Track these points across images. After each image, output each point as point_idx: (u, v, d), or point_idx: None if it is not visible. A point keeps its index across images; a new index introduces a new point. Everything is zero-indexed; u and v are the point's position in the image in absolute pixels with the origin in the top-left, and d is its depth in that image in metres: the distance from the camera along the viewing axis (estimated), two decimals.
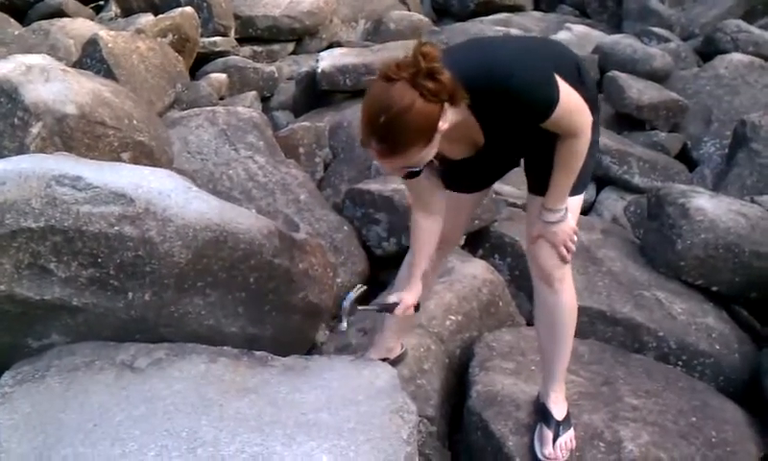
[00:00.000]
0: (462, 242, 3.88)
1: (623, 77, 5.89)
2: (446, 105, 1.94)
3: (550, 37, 2.45)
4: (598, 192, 5.03)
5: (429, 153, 2.00)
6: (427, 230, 2.46)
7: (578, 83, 2.17)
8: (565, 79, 2.09)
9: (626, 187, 4.93)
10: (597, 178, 5.03)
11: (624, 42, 6.66)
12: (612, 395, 2.72)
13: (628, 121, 5.75)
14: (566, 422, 2.49)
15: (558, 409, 2.49)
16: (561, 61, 2.20)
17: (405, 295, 2.41)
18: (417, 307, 2.48)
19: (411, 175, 2.10)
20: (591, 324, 3.31)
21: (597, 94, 2.38)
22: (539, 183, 2.33)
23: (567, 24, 8.05)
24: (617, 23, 8.62)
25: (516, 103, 2.03)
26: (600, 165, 4.90)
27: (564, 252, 2.33)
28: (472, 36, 6.30)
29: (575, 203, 2.35)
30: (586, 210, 4.86)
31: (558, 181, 2.23)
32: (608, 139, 5.00)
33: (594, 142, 2.27)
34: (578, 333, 3.21)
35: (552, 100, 2.03)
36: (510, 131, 2.17)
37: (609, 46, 6.67)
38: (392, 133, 1.89)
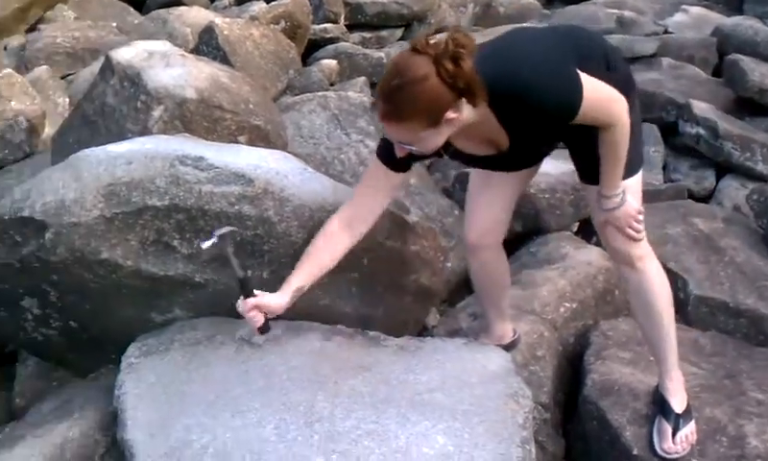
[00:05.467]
0: (574, 228, 3.81)
1: (745, 60, 5.61)
2: (463, 99, 1.91)
3: (578, 26, 2.36)
4: (718, 180, 4.83)
5: (433, 139, 1.98)
6: (336, 239, 2.24)
7: (606, 70, 2.13)
8: (592, 69, 2.04)
9: (748, 175, 4.69)
10: (717, 164, 4.83)
11: (745, 24, 6.36)
12: (735, 388, 2.61)
13: (750, 106, 5.47)
14: (687, 415, 2.41)
15: (677, 401, 2.42)
16: (585, 52, 2.15)
17: (266, 298, 2.16)
18: (265, 327, 2.18)
19: (400, 164, 2.13)
20: (713, 315, 3.20)
21: (630, 74, 2.31)
22: (588, 173, 2.29)
23: (683, 6, 7.75)
24: (737, 5, 8.23)
25: (538, 111, 2.00)
26: (721, 152, 4.71)
27: (632, 232, 2.27)
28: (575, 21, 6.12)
29: (633, 183, 2.28)
30: (705, 198, 4.68)
31: (607, 171, 2.19)
32: (729, 125, 4.79)
33: (636, 121, 2.20)
34: (699, 324, 3.13)
35: (575, 102, 1.99)
36: (536, 133, 2.14)
37: (729, 28, 6.39)
38: (398, 98, 1.89)
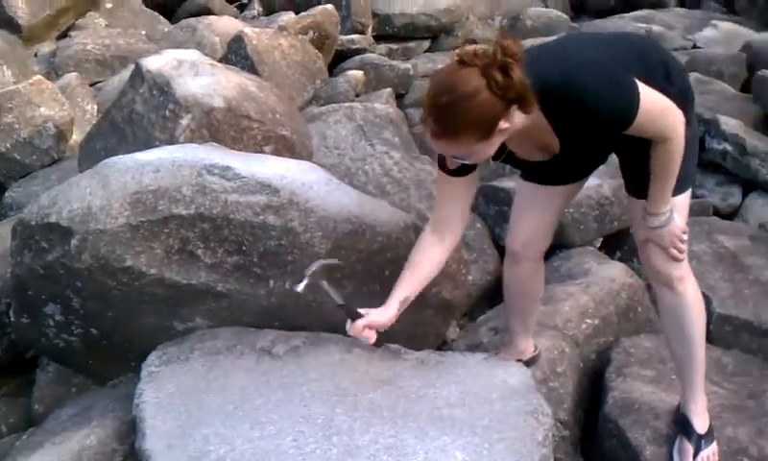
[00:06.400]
0: (598, 243, 3.79)
1: None
2: (514, 107, 1.87)
3: (636, 34, 2.33)
4: (744, 197, 4.78)
5: (485, 150, 1.95)
6: (430, 251, 2.29)
7: (665, 81, 2.07)
8: (650, 80, 1.99)
9: None
10: (743, 181, 4.78)
11: None
12: (758, 409, 2.58)
13: None
14: (709, 435, 2.38)
15: (699, 422, 2.39)
16: (644, 62, 2.09)
17: (373, 314, 2.21)
18: (380, 341, 2.25)
19: (461, 169, 2.10)
20: (736, 334, 3.17)
21: (689, 87, 2.23)
22: (637, 186, 2.24)
23: (713, 21, 7.70)
24: (767, 21, 8.17)
25: (592, 116, 1.95)
26: (748, 169, 4.66)
27: (676, 252, 2.23)
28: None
29: (681, 201, 2.23)
30: (731, 215, 4.64)
31: (657, 186, 2.14)
32: (757, 141, 4.74)
33: (692, 137, 2.16)
34: (722, 343, 3.10)
35: (631, 111, 1.94)
36: (588, 140, 2.09)
37: (759, 44, 6.33)
38: (449, 116, 1.85)
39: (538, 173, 2.38)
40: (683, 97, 2.09)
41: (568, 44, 2.16)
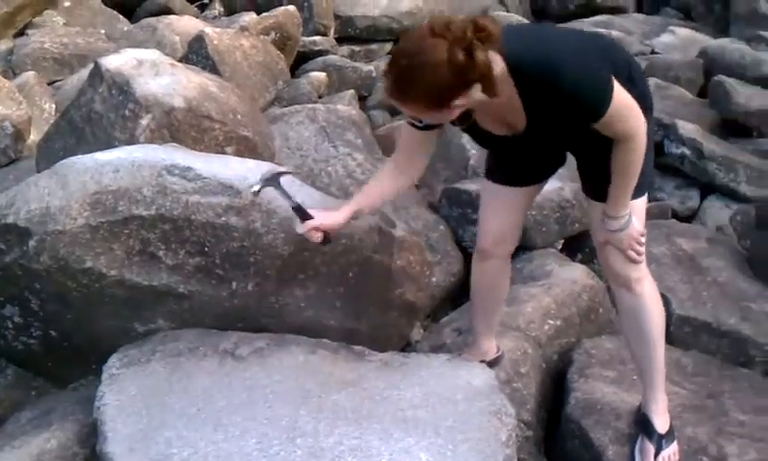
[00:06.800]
0: (559, 246, 3.82)
1: (730, 82, 5.66)
2: (476, 85, 1.87)
3: (603, 34, 2.37)
4: (702, 200, 4.86)
5: (440, 118, 2.01)
6: (386, 182, 2.34)
7: (628, 82, 2.08)
8: (618, 78, 2.02)
9: (732, 196, 4.73)
10: (701, 185, 4.87)
11: (732, 47, 6.42)
12: (717, 409, 2.62)
13: (734, 128, 5.53)
14: (669, 435, 2.41)
15: (660, 421, 2.42)
16: (612, 61, 2.11)
17: (323, 217, 2.25)
18: (326, 239, 2.28)
19: (416, 123, 2.13)
20: (695, 335, 3.21)
21: (649, 92, 2.26)
22: (596, 189, 2.27)
23: (671, 27, 7.83)
24: (724, 27, 8.32)
25: (566, 100, 1.96)
26: (705, 172, 4.75)
27: (634, 255, 2.26)
28: None
29: (639, 204, 2.25)
30: (689, 218, 4.71)
31: (618, 188, 2.16)
32: (714, 145, 4.83)
33: (651, 142, 2.18)
34: (681, 344, 3.15)
35: (604, 102, 1.97)
36: (555, 125, 2.09)
37: (715, 50, 6.45)
38: (405, 80, 1.86)
39: (499, 148, 2.38)
40: (642, 100, 2.11)
41: (550, 30, 2.18)
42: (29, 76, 5.34)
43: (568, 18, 8.61)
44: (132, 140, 3.01)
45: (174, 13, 7.11)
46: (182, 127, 3.10)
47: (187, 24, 6.38)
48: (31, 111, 4.78)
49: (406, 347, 3.07)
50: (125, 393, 2.24)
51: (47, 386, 2.78)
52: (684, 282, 3.43)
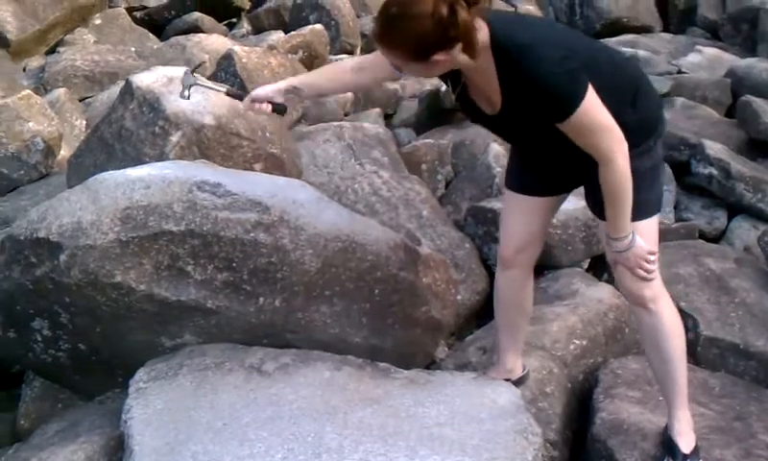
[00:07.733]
0: (585, 265, 3.81)
1: (758, 102, 5.61)
2: (459, 45, 1.93)
3: (620, 50, 2.39)
4: (729, 220, 4.82)
5: (421, 71, 2.05)
6: (341, 73, 2.48)
7: (627, 105, 2.10)
8: (608, 97, 2.02)
9: (760, 216, 4.68)
10: (728, 205, 4.82)
11: (760, 67, 6.36)
12: (744, 431, 2.59)
13: (762, 147, 5.47)
14: (694, 455, 2.39)
15: (685, 442, 2.40)
16: (610, 77, 2.12)
17: (258, 89, 2.38)
18: (277, 109, 2.38)
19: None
20: (722, 356, 3.18)
21: (658, 119, 2.26)
22: (595, 207, 2.29)
23: (698, 46, 7.78)
24: (751, 47, 8.24)
25: (536, 89, 1.99)
26: (733, 192, 4.70)
27: (643, 273, 2.25)
28: None
29: (645, 226, 2.24)
30: (716, 238, 4.67)
31: (610, 213, 2.17)
32: (742, 166, 4.79)
33: (653, 166, 2.21)
34: (709, 365, 3.12)
35: (573, 101, 1.98)
36: (526, 113, 2.10)
37: (743, 70, 6.40)
38: (391, 27, 1.94)
39: (486, 125, 2.39)
40: (643, 125, 2.13)
41: (543, 22, 2.23)
42: (60, 92, 5.43)
43: (594, 38, 8.59)
44: (161, 157, 3.05)
45: (203, 32, 7.20)
46: (212, 144, 3.14)
47: (216, 42, 6.46)
48: (62, 128, 4.84)
49: (431, 365, 3.06)
50: (151, 406, 2.26)
51: (74, 399, 2.81)
52: (712, 303, 3.40)
